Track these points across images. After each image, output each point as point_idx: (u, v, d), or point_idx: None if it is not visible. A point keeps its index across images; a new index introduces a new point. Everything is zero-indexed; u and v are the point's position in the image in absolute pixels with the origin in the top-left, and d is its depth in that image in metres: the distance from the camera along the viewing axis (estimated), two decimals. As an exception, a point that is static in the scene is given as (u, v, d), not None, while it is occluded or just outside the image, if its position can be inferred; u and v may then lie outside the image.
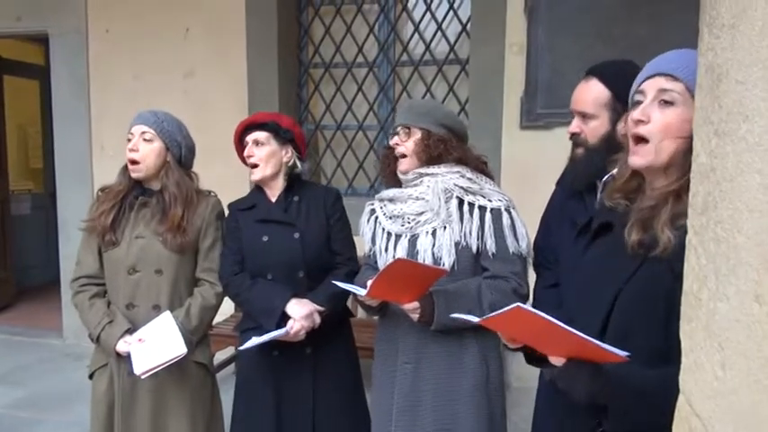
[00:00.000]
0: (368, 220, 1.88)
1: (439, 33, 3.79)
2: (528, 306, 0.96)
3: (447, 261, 1.66)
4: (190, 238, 1.93)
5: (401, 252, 1.72)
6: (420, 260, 1.66)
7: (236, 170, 2.06)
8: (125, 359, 1.85)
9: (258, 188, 2.03)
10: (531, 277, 1.74)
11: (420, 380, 1.71)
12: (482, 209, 1.68)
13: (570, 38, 3.32)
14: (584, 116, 1.54)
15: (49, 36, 4.26)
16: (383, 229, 1.80)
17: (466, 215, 1.68)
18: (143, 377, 1.79)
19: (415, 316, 1.63)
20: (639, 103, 1.10)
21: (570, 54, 3.30)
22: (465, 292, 1.64)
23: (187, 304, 1.94)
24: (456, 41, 3.76)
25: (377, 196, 1.89)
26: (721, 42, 0.69)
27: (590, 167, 1.40)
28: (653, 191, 1.09)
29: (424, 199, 1.72)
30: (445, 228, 1.68)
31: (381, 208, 1.84)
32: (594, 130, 1.52)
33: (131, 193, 1.97)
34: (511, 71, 3.47)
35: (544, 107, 3.41)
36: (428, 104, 1.94)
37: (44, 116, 5.84)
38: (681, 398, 0.78)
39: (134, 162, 1.92)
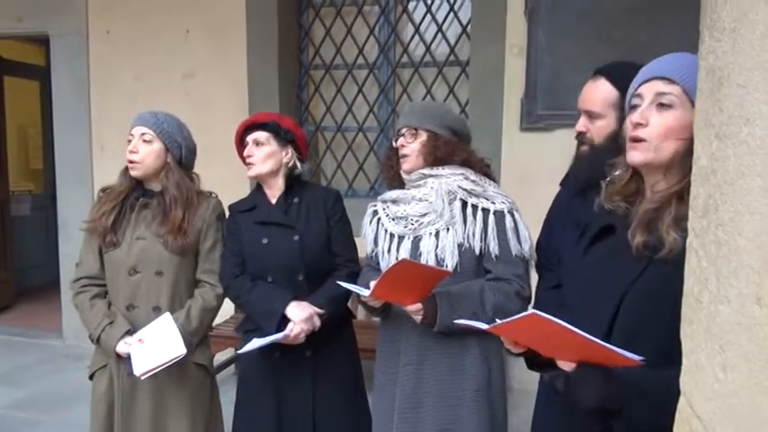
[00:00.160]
0: (370, 222, 1.88)
1: (439, 35, 3.79)
2: (543, 313, 0.95)
3: (450, 263, 1.66)
4: (190, 239, 1.93)
5: (404, 253, 1.72)
6: (423, 262, 1.67)
7: (236, 171, 2.07)
8: (125, 360, 1.86)
9: (258, 189, 2.03)
10: (534, 279, 1.74)
11: (422, 382, 1.71)
12: (485, 211, 1.68)
13: (570, 40, 3.32)
14: (591, 115, 1.55)
15: (49, 37, 4.27)
16: (386, 231, 1.80)
17: (469, 217, 1.68)
18: (142, 378, 1.79)
19: (418, 317, 1.63)
20: (636, 106, 1.10)
21: (570, 56, 3.31)
22: (468, 294, 1.64)
23: (187, 306, 1.94)
24: (456, 43, 3.77)
25: (380, 197, 1.89)
26: (722, 46, 0.69)
27: (594, 165, 1.40)
28: (654, 193, 1.10)
29: (427, 200, 1.72)
30: (448, 229, 1.68)
31: (384, 209, 1.84)
32: (601, 129, 1.53)
33: (132, 194, 1.97)
34: (511, 73, 3.48)
35: (544, 109, 3.41)
36: (435, 107, 1.94)
37: (44, 117, 5.84)
38: (682, 399, 0.79)
39: (133, 162, 1.93)
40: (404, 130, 1.77)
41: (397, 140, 1.79)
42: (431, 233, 1.70)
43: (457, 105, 3.75)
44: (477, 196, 1.70)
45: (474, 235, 1.67)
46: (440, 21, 3.78)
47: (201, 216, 1.97)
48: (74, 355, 4.15)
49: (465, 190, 1.70)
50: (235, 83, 3.93)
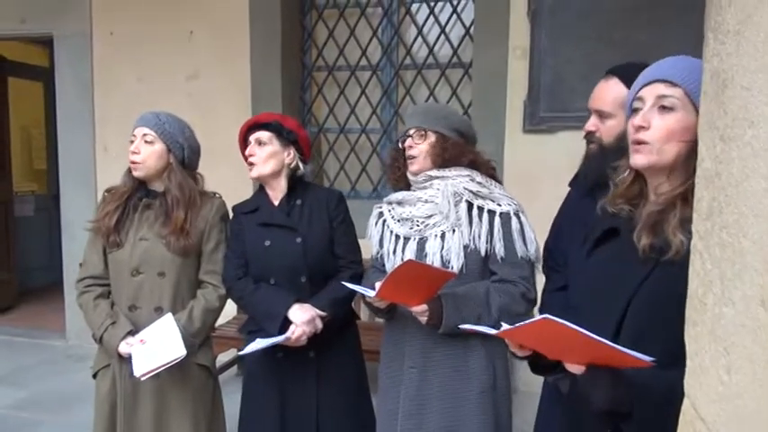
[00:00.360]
0: (376, 223, 1.88)
1: (442, 37, 3.80)
2: (556, 317, 0.95)
3: (456, 264, 1.66)
4: (193, 241, 1.93)
5: (409, 255, 1.72)
6: (428, 263, 1.67)
7: (239, 172, 2.07)
8: (127, 360, 1.86)
9: (261, 190, 2.03)
10: (539, 281, 1.74)
11: (426, 383, 1.71)
12: (491, 213, 1.69)
13: (573, 42, 3.32)
14: (602, 115, 1.55)
15: (53, 38, 4.28)
16: (391, 232, 1.80)
17: (475, 219, 1.68)
18: (142, 379, 1.79)
19: (424, 318, 1.63)
20: (638, 110, 1.10)
21: (573, 58, 3.31)
22: (474, 296, 1.64)
23: (190, 307, 1.94)
24: (459, 45, 3.77)
25: (385, 199, 1.89)
26: (726, 48, 0.69)
27: (603, 165, 1.40)
28: (658, 195, 1.10)
29: (433, 202, 1.72)
30: (454, 231, 1.68)
31: (390, 211, 1.84)
32: (611, 129, 1.53)
33: (135, 195, 1.98)
34: (514, 75, 3.48)
35: (547, 111, 3.41)
36: (441, 108, 1.95)
37: (48, 118, 5.86)
38: (686, 401, 0.79)
39: (135, 163, 1.93)
40: (412, 132, 1.77)
41: (404, 142, 1.79)
42: (436, 235, 1.70)
43: (460, 107, 3.75)
44: (484, 198, 1.70)
45: (480, 237, 1.67)
46: (443, 22, 3.79)
47: (204, 217, 1.97)
48: (76, 356, 4.16)
49: (471, 192, 1.70)
50: (238, 84, 3.93)
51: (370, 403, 2.07)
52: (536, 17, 3.39)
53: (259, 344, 1.81)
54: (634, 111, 1.12)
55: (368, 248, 1.97)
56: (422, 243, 1.72)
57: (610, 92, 1.54)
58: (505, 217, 1.68)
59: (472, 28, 3.67)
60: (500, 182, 1.82)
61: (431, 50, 3.82)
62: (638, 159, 1.09)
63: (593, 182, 1.50)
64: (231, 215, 2.06)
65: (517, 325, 1.04)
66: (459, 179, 1.72)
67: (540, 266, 1.75)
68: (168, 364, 1.77)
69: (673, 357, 0.91)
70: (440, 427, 1.69)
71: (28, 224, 5.79)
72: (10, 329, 4.74)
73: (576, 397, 1.08)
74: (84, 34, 4.20)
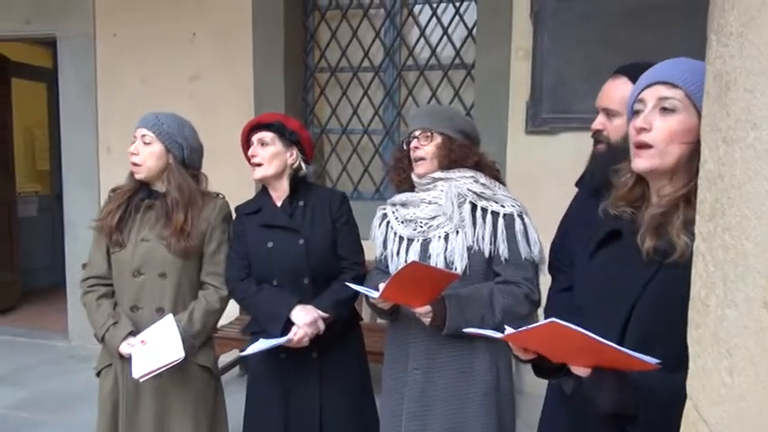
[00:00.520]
0: (379, 225, 1.88)
1: (445, 38, 3.80)
2: (563, 321, 0.95)
3: (459, 265, 1.66)
4: (194, 242, 1.93)
5: (413, 256, 1.72)
6: (432, 264, 1.67)
7: (242, 173, 2.07)
8: (128, 360, 1.86)
9: (264, 190, 2.03)
10: (543, 283, 1.74)
11: (430, 385, 1.71)
12: (495, 214, 1.69)
13: (575, 43, 3.32)
14: (609, 113, 1.55)
15: (57, 39, 4.29)
16: (395, 233, 1.80)
17: (479, 220, 1.69)
18: (141, 381, 1.80)
19: (427, 320, 1.63)
20: (639, 112, 1.10)
21: (575, 60, 3.31)
22: (477, 297, 1.65)
23: (191, 308, 1.94)
24: (462, 46, 3.77)
25: (389, 200, 1.90)
26: (729, 50, 0.69)
27: (610, 164, 1.40)
28: (661, 197, 1.09)
29: (437, 203, 1.72)
30: (458, 232, 1.68)
31: (393, 212, 1.84)
32: (618, 127, 1.53)
33: (137, 195, 1.98)
34: (516, 76, 3.48)
35: (549, 112, 3.41)
36: (446, 110, 1.95)
37: (51, 118, 5.88)
38: (688, 403, 0.79)
39: (135, 164, 1.94)
40: (417, 133, 1.77)
41: (409, 143, 1.79)
42: (440, 236, 1.70)
43: (462, 108, 3.75)
44: (487, 199, 1.70)
45: (483, 238, 1.67)
46: (445, 24, 3.79)
47: (206, 218, 1.97)
48: (79, 356, 4.16)
49: (475, 193, 1.70)
50: (240, 85, 3.94)
51: (373, 404, 2.07)
52: (539, 19, 3.40)
53: (261, 345, 1.81)
54: (635, 113, 1.12)
55: (371, 250, 1.97)
56: (425, 244, 1.72)
57: (618, 90, 1.54)
58: (509, 218, 1.69)
59: (475, 29, 3.67)
60: (504, 183, 1.82)
61: (433, 52, 3.82)
62: (639, 164, 1.09)
63: (599, 181, 1.50)
64: (234, 216, 2.06)
65: (523, 328, 1.04)
66: (463, 180, 1.72)
67: (543, 268, 1.75)
68: (166, 366, 1.77)
69: (678, 360, 0.91)
70: (444, 428, 1.69)
71: (31, 225, 5.80)
72: (12, 329, 4.75)
73: (580, 399, 1.08)
74: (87, 35, 4.21)
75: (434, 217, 1.72)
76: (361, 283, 1.84)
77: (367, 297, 1.71)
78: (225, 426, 2.11)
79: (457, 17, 3.77)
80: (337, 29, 4.01)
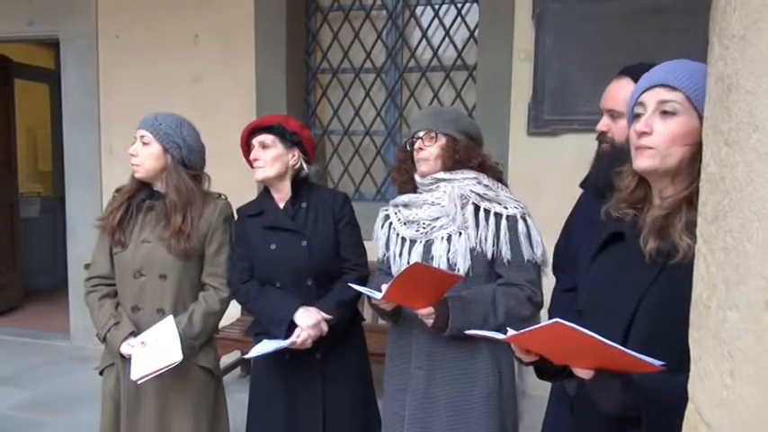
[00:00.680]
0: (382, 226, 1.88)
1: (446, 39, 3.80)
2: (566, 321, 0.95)
3: (462, 267, 1.66)
4: (194, 243, 1.93)
5: (416, 257, 1.72)
6: (435, 266, 1.67)
7: (244, 175, 2.07)
8: (129, 361, 1.87)
9: (266, 192, 2.03)
10: (546, 285, 1.74)
11: (433, 386, 1.71)
12: (498, 216, 1.69)
13: (578, 45, 3.33)
14: (614, 114, 1.55)
15: (60, 41, 4.31)
16: (397, 235, 1.80)
17: (482, 222, 1.69)
18: (139, 383, 1.80)
19: (430, 321, 1.63)
20: (639, 115, 1.10)
21: (578, 61, 3.31)
22: (480, 299, 1.65)
23: (190, 310, 1.94)
24: (464, 48, 3.78)
25: (391, 202, 1.90)
26: (731, 53, 0.69)
27: (614, 165, 1.41)
28: (663, 199, 1.09)
29: (439, 204, 1.72)
30: (460, 234, 1.68)
31: (396, 213, 1.84)
32: (623, 129, 1.52)
33: (139, 195, 1.99)
34: (518, 78, 3.48)
35: (551, 114, 3.42)
36: (453, 111, 1.94)
37: (54, 119, 5.90)
38: (690, 406, 0.79)
39: (135, 165, 1.95)
40: (422, 134, 1.77)
41: (413, 144, 1.79)
42: (443, 237, 1.70)
43: (464, 110, 3.75)
44: (490, 201, 1.70)
45: (486, 239, 1.67)
46: (447, 25, 3.79)
47: (207, 219, 1.97)
48: (81, 357, 4.17)
49: (478, 194, 1.70)
50: (242, 87, 3.95)
51: (375, 405, 2.07)
52: (541, 20, 3.40)
53: (265, 347, 1.81)
54: (636, 116, 1.12)
55: (373, 250, 1.97)
56: (428, 246, 1.72)
57: (622, 91, 1.54)
58: (512, 220, 1.68)
59: (477, 31, 3.67)
60: (506, 185, 1.82)
61: (435, 53, 3.82)
62: (641, 163, 1.09)
63: (604, 182, 1.50)
64: (236, 217, 2.06)
65: (526, 329, 1.03)
66: (466, 182, 1.72)
67: (546, 270, 1.75)
68: (164, 368, 1.78)
69: (681, 362, 0.92)
70: (446, 429, 1.69)
71: (33, 225, 5.82)
72: (15, 330, 4.76)
73: (584, 400, 1.08)
74: (89, 37, 4.23)
75: (437, 218, 1.72)
76: (363, 284, 1.84)
77: (369, 298, 1.71)
78: (226, 426, 2.12)
79: (459, 18, 3.78)
80: (339, 30, 4.01)
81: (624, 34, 3.20)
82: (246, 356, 1.91)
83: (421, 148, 1.76)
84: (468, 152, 1.75)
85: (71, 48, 4.28)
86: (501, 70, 3.51)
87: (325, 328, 1.87)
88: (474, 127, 1.83)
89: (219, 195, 2.06)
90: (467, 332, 1.43)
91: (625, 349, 0.95)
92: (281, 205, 1.99)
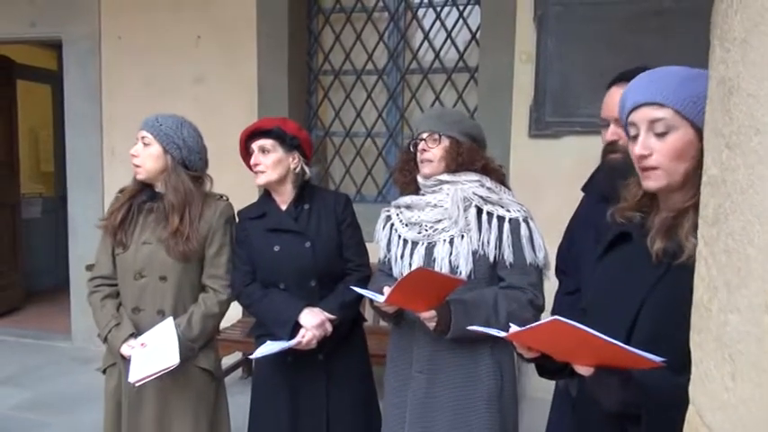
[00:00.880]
0: (383, 227, 1.88)
1: (448, 41, 3.81)
2: (566, 319, 0.95)
3: (464, 270, 1.66)
4: (193, 245, 1.92)
5: (417, 260, 1.72)
6: (437, 268, 1.67)
7: (246, 176, 2.07)
8: (128, 362, 1.87)
9: (267, 195, 2.03)
10: (547, 288, 1.74)
11: (434, 389, 1.71)
12: (500, 219, 1.68)
13: (579, 47, 3.33)
14: (621, 123, 1.54)
15: (62, 42, 4.32)
16: (399, 236, 1.80)
17: (484, 224, 1.68)
18: (137, 385, 1.80)
19: (432, 324, 1.62)
20: (635, 136, 1.10)
21: (579, 63, 3.31)
22: (482, 302, 1.64)
23: (190, 312, 1.94)
24: (465, 50, 3.78)
25: (393, 203, 1.89)
26: (732, 56, 0.69)
27: (629, 175, 1.40)
28: (671, 207, 1.10)
29: (442, 207, 1.72)
30: (463, 236, 1.68)
31: (398, 214, 1.84)
32: None
33: (140, 196, 1.99)
34: (520, 80, 3.48)
35: (553, 116, 3.42)
36: (457, 113, 1.94)
37: (56, 120, 5.91)
38: (691, 408, 0.79)
39: (136, 166, 1.95)
40: (425, 135, 1.77)
41: (416, 145, 1.79)
42: (445, 240, 1.70)
43: (466, 112, 3.75)
44: (493, 204, 1.70)
45: (489, 242, 1.67)
46: (449, 27, 3.80)
47: (208, 221, 1.97)
48: (82, 358, 4.17)
49: (480, 197, 1.70)
50: (244, 88, 3.95)
51: (377, 405, 2.07)
52: (542, 22, 3.40)
53: (270, 348, 1.82)
54: (633, 137, 1.11)
55: (374, 252, 1.97)
56: (430, 248, 1.72)
57: None
58: (515, 223, 1.68)
59: (478, 33, 3.68)
60: (510, 188, 1.82)
61: (437, 55, 3.83)
62: (650, 184, 1.09)
63: (613, 194, 1.48)
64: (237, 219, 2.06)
65: (527, 326, 1.04)
66: (469, 184, 1.72)
67: (548, 273, 1.75)
68: (161, 371, 1.78)
69: (684, 361, 0.92)
70: (448, 430, 1.68)
71: (35, 226, 5.82)
72: (16, 331, 4.76)
73: (585, 400, 1.08)
74: (92, 38, 4.23)
75: (439, 221, 1.72)
76: (365, 285, 1.84)
77: (371, 300, 1.71)
78: (227, 427, 2.12)
79: (460, 21, 3.78)
80: (341, 32, 4.02)
81: (626, 37, 3.21)
82: (251, 357, 1.92)
83: (424, 150, 1.75)
84: (472, 155, 1.74)
85: (73, 49, 4.29)
86: (502, 72, 3.51)
87: (329, 328, 1.88)
88: (478, 129, 1.83)
89: (221, 197, 2.06)
90: (469, 328, 1.43)
91: (624, 345, 0.96)
92: (284, 207, 1.99)
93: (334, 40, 4.04)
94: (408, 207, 1.81)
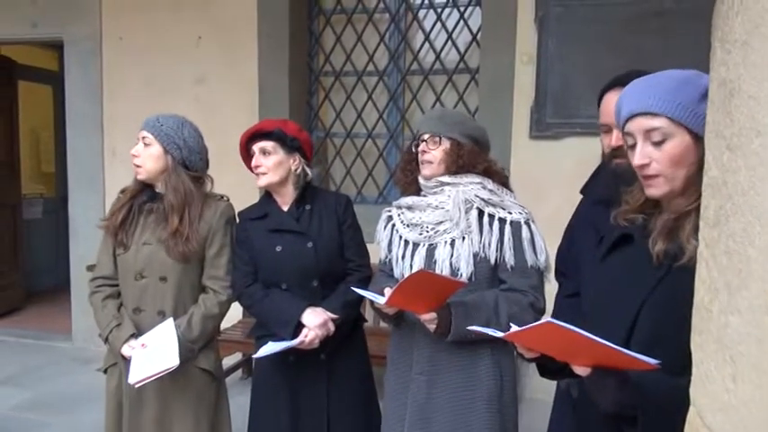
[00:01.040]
0: (384, 227, 1.88)
1: (449, 42, 3.81)
2: (560, 321, 0.96)
3: (465, 272, 1.66)
4: (193, 246, 1.92)
5: (418, 261, 1.72)
6: (438, 270, 1.67)
7: (246, 177, 2.07)
8: (129, 362, 1.87)
9: (268, 195, 2.03)
10: (549, 291, 1.74)
11: (434, 391, 1.71)
12: (502, 221, 1.68)
13: (580, 48, 3.33)
14: None
15: (63, 43, 4.32)
16: (400, 237, 1.80)
17: (485, 227, 1.68)
18: (136, 386, 1.80)
19: (432, 326, 1.62)
20: (633, 146, 1.10)
21: (580, 65, 3.31)
22: (482, 305, 1.64)
23: (190, 313, 1.95)
24: (466, 51, 3.78)
25: (394, 203, 1.89)
26: (733, 58, 0.69)
27: (632, 180, 1.39)
28: (675, 208, 1.10)
29: (443, 208, 1.72)
30: (464, 238, 1.68)
31: (399, 215, 1.84)
32: None
33: (141, 196, 1.99)
34: (521, 81, 3.48)
35: (553, 117, 3.42)
36: (458, 115, 1.94)
37: (57, 121, 5.91)
38: (692, 410, 0.79)
39: (137, 166, 1.95)
40: (426, 137, 1.76)
41: (417, 146, 1.79)
42: (446, 242, 1.70)
43: (466, 113, 3.75)
44: (494, 206, 1.70)
45: (490, 245, 1.67)
46: (450, 28, 3.80)
47: (208, 222, 1.97)
48: (83, 358, 4.17)
49: (482, 199, 1.70)
50: (245, 89, 3.96)
51: (377, 406, 2.07)
52: (543, 24, 3.40)
53: (272, 347, 1.82)
54: (630, 147, 1.12)
55: (375, 252, 1.97)
56: (431, 250, 1.72)
57: None
58: (516, 225, 1.68)
59: (479, 34, 3.68)
60: (512, 190, 1.81)
61: (437, 56, 3.83)
62: (653, 192, 1.10)
63: (615, 199, 1.48)
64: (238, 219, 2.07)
65: (522, 328, 1.05)
66: (471, 186, 1.71)
67: (549, 275, 1.74)
68: (161, 372, 1.78)
69: (684, 363, 0.92)
70: (448, 431, 1.68)
71: (36, 226, 5.83)
72: (17, 331, 4.76)
73: (585, 401, 1.09)
74: (93, 39, 4.24)
75: (441, 222, 1.72)
76: (366, 285, 1.84)
77: (371, 301, 1.71)
78: (228, 427, 2.12)
79: (461, 22, 3.78)
80: (342, 33, 4.02)
81: (626, 38, 3.21)
82: (254, 356, 1.92)
83: (425, 151, 1.75)
84: (473, 157, 1.74)
85: (74, 50, 4.30)
86: (503, 73, 3.51)
87: (332, 327, 1.88)
88: (480, 131, 1.82)
89: (222, 197, 2.06)
90: (469, 328, 1.42)
91: (619, 347, 0.96)
92: (285, 208, 1.99)
93: (335, 40, 4.04)
94: (410, 208, 1.81)
